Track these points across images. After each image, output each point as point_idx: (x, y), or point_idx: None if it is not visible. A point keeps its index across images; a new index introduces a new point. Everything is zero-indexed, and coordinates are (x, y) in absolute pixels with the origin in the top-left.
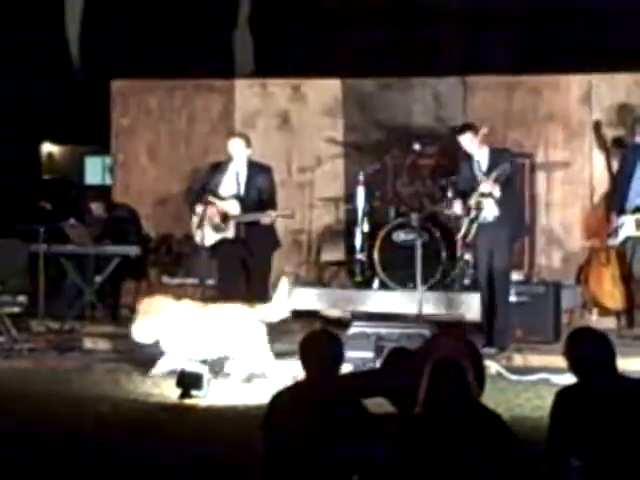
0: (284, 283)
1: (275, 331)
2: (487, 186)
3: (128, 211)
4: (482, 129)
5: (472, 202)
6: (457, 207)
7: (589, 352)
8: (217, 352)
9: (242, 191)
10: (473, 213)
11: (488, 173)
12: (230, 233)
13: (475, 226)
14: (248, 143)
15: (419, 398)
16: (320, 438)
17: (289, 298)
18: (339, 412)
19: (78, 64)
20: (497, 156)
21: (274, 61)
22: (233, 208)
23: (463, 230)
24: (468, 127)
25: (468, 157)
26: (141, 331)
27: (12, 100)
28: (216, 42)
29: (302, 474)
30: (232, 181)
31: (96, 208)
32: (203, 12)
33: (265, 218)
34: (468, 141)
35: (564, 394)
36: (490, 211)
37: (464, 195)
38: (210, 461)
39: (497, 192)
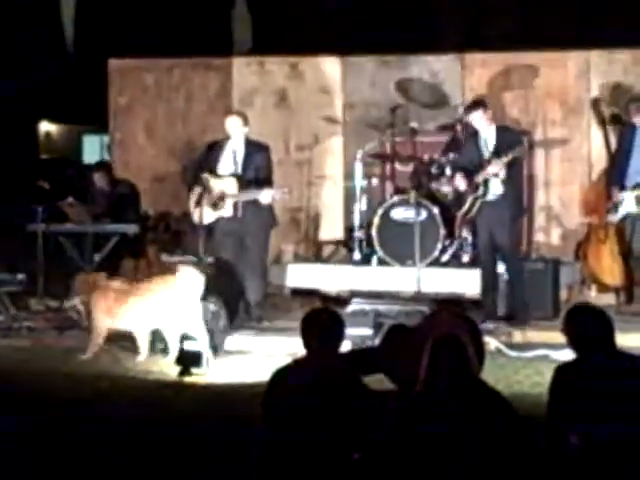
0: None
1: (274, 308)
2: (496, 168)
3: (130, 187)
4: None
5: (480, 180)
6: (461, 183)
7: (588, 328)
8: (151, 325)
9: (239, 169)
10: (480, 190)
11: (497, 152)
12: (228, 211)
13: (479, 203)
14: (245, 121)
15: (420, 375)
16: (320, 415)
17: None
18: (339, 389)
19: (71, 44)
20: (504, 134)
21: (272, 39)
22: (231, 186)
23: (466, 206)
24: (479, 104)
25: (474, 133)
26: (76, 308)
27: (9, 80)
28: (214, 20)
29: (302, 452)
30: (229, 159)
31: (98, 178)
32: None
33: (263, 197)
34: (478, 118)
35: (563, 370)
36: (495, 189)
37: (467, 172)
38: (209, 438)
39: (503, 173)
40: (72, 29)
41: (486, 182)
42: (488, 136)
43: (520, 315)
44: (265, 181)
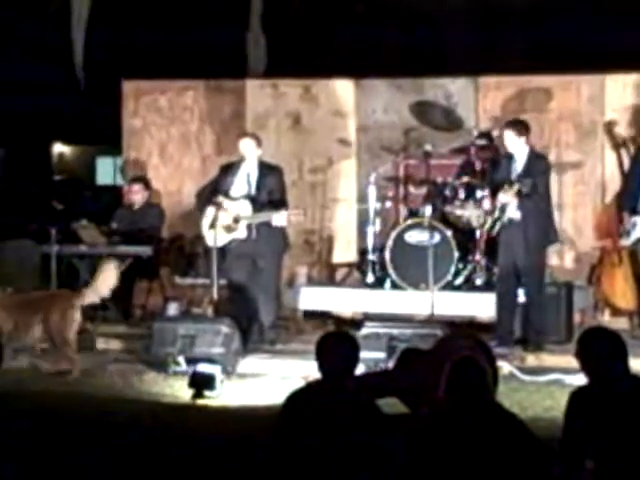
0: (108, 267)
1: (287, 331)
2: (505, 197)
3: (161, 215)
4: (493, 131)
5: (498, 203)
6: (486, 203)
7: (601, 352)
8: (36, 337)
9: (253, 191)
10: (497, 214)
11: (522, 176)
12: (242, 234)
13: (499, 225)
14: (259, 143)
15: (438, 396)
16: (335, 439)
17: (112, 280)
18: (353, 413)
19: (80, 65)
20: (533, 160)
21: (287, 61)
22: (245, 209)
23: (487, 226)
24: (513, 125)
25: (509, 154)
26: None
27: (24, 101)
28: (229, 42)
29: (316, 475)
30: (243, 182)
31: (135, 192)
32: (215, 13)
33: (277, 219)
34: (509, 138)
35: (578, 395)
36: (511, 214)
37: (495, 191)
38: (223, 461)
39: (514, 203)
40: (82, 52)
41: (503, 207)
42: (519, 159)
43: (533, 341)
44: (279, 203)
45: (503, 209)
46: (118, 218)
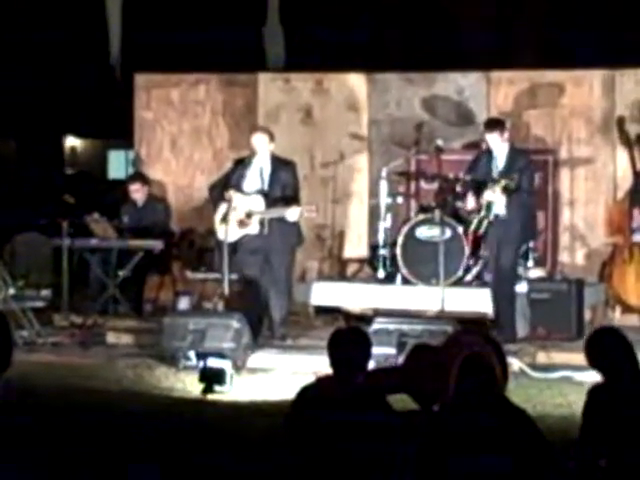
0: None
1: (298, 326)
2: (492, 195)
3: (166, 209)
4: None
5: (483, 201)
6: (469, 202)
7: (609, 353)
8: None
9: (266, 186)
10: (483, 212)
11: (504, 173)
12: (254, 229)
13: (486, 222)
14: (272, 138)
15: (449, 391)
16: (345, 434)
17: None
18: (363, 409)
19: (118, 60)
20: (514, 157)
21: (303, 55)
22: (257, 204)
23: (473, 225)
24: (496, 124)
25: (489, 151)
26: None
27: (38, 94)
28: (247, 37)
29: (325, 470)
30: (256, 176)
31: (134, 190)
32: (234, 7)
33: (290, 215)
34: (494, 139)
35: (596, 392)
36: (498, 211)
37: (478, 190)
38: (232, 456)
39: (501, 200)
40: (119, 42)
41: (489, 204)
42: (499, 156)
43: (502, 333)
44: (292, 198)
45: (489, 207)
46: (126, 213)
